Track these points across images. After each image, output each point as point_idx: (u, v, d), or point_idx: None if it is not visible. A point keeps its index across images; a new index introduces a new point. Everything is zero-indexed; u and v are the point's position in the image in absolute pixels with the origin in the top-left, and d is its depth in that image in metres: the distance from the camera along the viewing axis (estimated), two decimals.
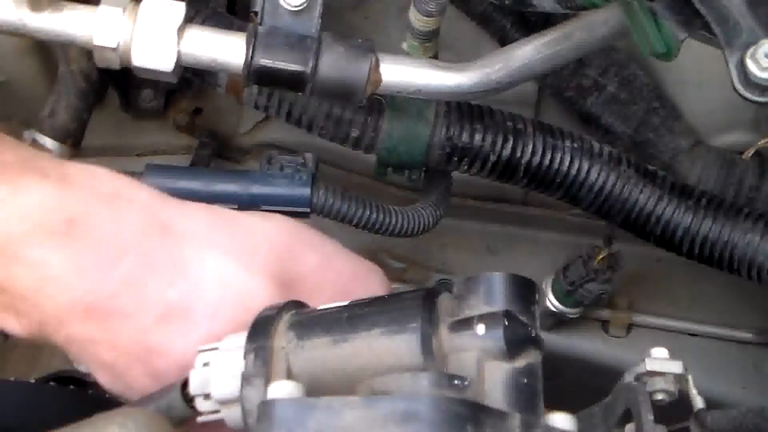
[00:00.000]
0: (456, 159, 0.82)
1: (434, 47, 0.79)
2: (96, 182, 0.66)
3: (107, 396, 0.72)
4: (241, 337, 0.56)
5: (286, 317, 0.57)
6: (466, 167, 0.83)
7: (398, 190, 1.03)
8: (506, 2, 0.76)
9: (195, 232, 0.62)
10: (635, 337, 1.00)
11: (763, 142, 0.89)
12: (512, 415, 0.47)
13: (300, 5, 0.70)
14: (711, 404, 0.55)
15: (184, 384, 0.58)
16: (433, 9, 0.75)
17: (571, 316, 0.96)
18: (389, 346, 0.52)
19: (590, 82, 0.94)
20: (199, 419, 0.58)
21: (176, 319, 0.60)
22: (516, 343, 0.50)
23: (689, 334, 1.00)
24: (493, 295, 0.52)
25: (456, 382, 0.48)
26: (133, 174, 0.85)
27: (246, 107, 0.92)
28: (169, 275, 0.60)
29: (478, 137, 0.81)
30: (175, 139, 1.09)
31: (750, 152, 0.89)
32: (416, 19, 0.76)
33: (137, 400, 0.62)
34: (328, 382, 0.53)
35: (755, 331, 1.00)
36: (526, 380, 0.50)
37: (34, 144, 0.97)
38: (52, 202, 0.60)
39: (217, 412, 0.57)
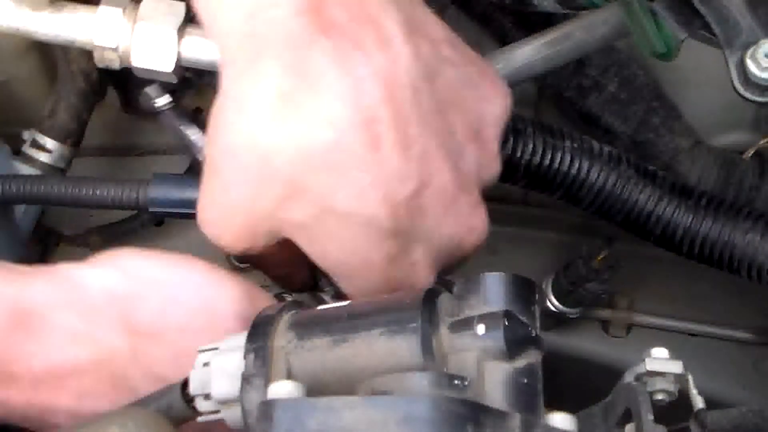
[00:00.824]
0: None
1: None
2: None
3: None
4: (241, 337, 0.56)
5: (286, 317, 0.57)
6: None
7: None
8: (506, 2, 0.76)
9: (44, 304, 0.64)
10: (635, 337, 1.00)
11: (763, 142, 0.89)
12: (512, 415, 0.47)
13: None
14: (711, 404, 0.55)
15: (184, 384, 0.58)
16: (433, 9, 0.75)
17: (571, 316, 0.96)
18: (389, 347, 0.52)
19: (590, 82, 0.94)
20: (199, 419, 0.58)
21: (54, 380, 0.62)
22: (516, 343, 0.50)
23: (689, 334, 1.00)
24: (493, 295, 0.52)
25: (456, 382, 0.48)
26: (140, 182, 0.86)
27: None
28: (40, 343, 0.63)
29: None
30: (175, 139, 1.08)
31: (750, 152, 0.89)
32: None
33: (137, 400, 0.62)
34: (328, 382, 0.53)
35: (755, 331, 1.00)
36: (526, 380, 0.50)
37: (34, 144, 0.97)
38: None
39: (217, 412, 0.57)
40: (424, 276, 0.61)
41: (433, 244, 0.61)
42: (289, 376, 0.54)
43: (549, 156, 0.77)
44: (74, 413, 0.63)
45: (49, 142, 0.97)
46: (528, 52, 0.77)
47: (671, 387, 0.54)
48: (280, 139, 0.57)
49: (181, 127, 0.75)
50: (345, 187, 0.57)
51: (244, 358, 0.55)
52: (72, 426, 0.54)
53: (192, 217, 0.85)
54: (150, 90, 0.76)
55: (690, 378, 0.54)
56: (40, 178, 0.87)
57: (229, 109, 0.59)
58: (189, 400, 0.58)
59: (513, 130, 0.80)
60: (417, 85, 0.58)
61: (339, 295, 0.67)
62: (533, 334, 0.51)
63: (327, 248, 0.60)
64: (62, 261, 0.68)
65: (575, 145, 0.78)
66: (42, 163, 0.96)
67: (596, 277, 0.91)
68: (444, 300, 0.53)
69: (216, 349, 0.58)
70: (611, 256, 0.91)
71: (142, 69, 0.72)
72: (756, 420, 0.54)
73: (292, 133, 0.56)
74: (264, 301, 0.65)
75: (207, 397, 0.57)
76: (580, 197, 0.78)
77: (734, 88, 0.64)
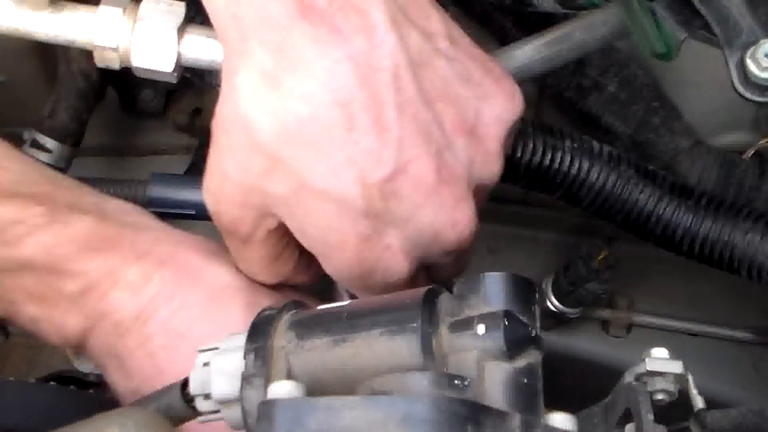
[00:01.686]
0: None
1: None
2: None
3: (107, 396, 0.72)
4: (241, 337, 0.56)
5: (286, 317, 0.57)
6: None
7: None
8: (506, 2, 0.77)
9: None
10: (635, 337, 1.00)
11: (763, 142, 0.89)
12: (512, 415, 0.47)
13: None
14: (711, 404, 0.55)
15: (184, 384, 0.58)
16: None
17: (571, 316, 0.96)
18: (389, 346, 0.52)
19: (590, 82, 0.94)
20: (199, 419, 0.58)
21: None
22: (516, 343, 0.50)
23: (689, 334, 1.00)
24: (493, 295, 0.52)
25: (456, 382, 0.48)
26: (138, 182, 0.86)
27: None
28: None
29: None
30: (175, 139, 1.08)
31: (750, 152, 0.89)
32: None
33: (137, 400, 0.62)
34: (328, 382, 0.53)
35: (755, 331, 1.00)
36: (526, 380, 0.50)
37: (34, 144, 0.97)
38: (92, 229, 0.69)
39: (217, 412, 0.57)
40: (398, 261, 0.63)
41: (408, 231, 0.62)
42: (289, 376, 0.54)
43: (549, 156, 0.77)
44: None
45: (49, 142, 0.97)
46: (528, 52, 0.77)
47: (671, 387, 0.54)
48: (261, 113, 0.60)
49: None
50: (319, 163, 0.60)
51: (244, 358, 0.55)
52: (72, 426, 0.54)
53: (191, 217, 0.85)
54: None
55: (690, 378, 0.54)
56: None
57: (223, 84, 0.62)
58: (189, 400, 0.58)
59: None
60: (398, 72, 0.60)
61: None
62: (533, 334, 0.51)
63: (304, 224, 0.62)
64: None
65: (575, 145, 0.78)
66: (42, 163, 0.96)
67: (596, 277, 0.91)
68: (444, 300, 0.53)
69: (216, 349, 0.58)
70: (611, 256, 0.91)
71: (142, 69, 0.72)
72: (756, 420, 0.54)
73: (272, 107, 0.60)
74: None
75: (207, 397, 0.57)
76: (580, 197, 0.78)
77: (734, 88, 0.64)
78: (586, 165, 0.78)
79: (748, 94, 0.64)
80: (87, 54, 0.75)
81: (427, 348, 0.51)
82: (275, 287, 0.70)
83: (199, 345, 0.59)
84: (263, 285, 0.70)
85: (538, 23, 0.87)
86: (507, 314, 0.50)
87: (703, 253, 0.78)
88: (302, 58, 0.59)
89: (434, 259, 0.65)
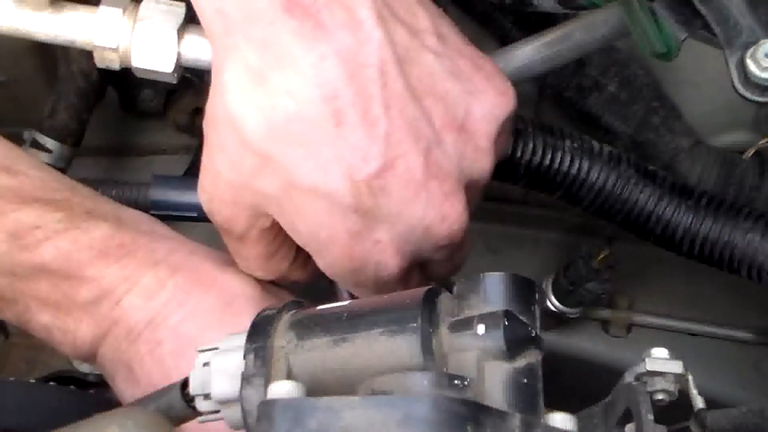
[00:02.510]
0: None
1: None
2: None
3: (107, 396, 0.72)
4: (241, 337, 0.56)
5: (286, 317, 0.57)
6: None
7: None
8: (506, 2, 0.76)
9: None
10: (635, 337, 1.00)
11: (763, 142, 0.89)
12: (512, 415, 0.47)
13: None
14: (711, 404, 0.55)
15: (184, 384, 0.58)
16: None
17: (571, 316, 0.96)
18: (389, 346, 0.52)
19: (590, 81, 0.94)
20: (199, 419, 0.58)
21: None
22: (516, 343, 0.50)
23: (689, 334, 1.00)
24: (493, 295, 0.52)
25: (456, 382, 0.48)
26: (141, 184, 0.86)
27: None
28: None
29: None
30: (175, 139, 1.08)
31: (750, 152, 0.89)
32: None
33: (137, 399, 0.62)
34: (328, 382, 0.53)
35: (755, 331, 1.00)
36: (526, 380, 0.50)
37: (34, 144, 0.97)
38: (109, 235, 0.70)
39: (217, 412, 0.57)
40: (388, 256, 0.63)
41: (398, 226, 0.62)
42: (289, 376, 0.54)
43: (549, 156, 0.77)
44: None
45: (49, 142, 0.97)
46: (528, 53, 0.77)
47: (671, 387, 0.54)
48: (249, 110, 0.60)
49: None
50: (308, 160, 0.60)
51: (244, 358, 0.55)
52: (72, 426, 0.54)
53: (193, 219, 0.85)
54: None
55: (690, 378, 0.54)
56: None
57: (212, 81, 0.62)
58: (189, 400, 0.58)
59: (513, 130, 0.81)
60: (385, 68, 0.60)
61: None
62: (533, 334, 0.51)
63: (295, 221, 0.63)
64: None
65: (575, 145, 0.78)
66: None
67: (596, 277, 0.91)
68: (444, 300, 0.53)
69: (216, 349, 0.58)
70: (611, 256, 0.91)
71: (142, 69, 0.72)
72: (756, 420, 0.54)
73: (259, 104, 0.60)
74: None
75: (207, 397, 0.57)
76: (580, 197, 0.78)
77: (734, 88, 0.64)
78: (586, 165, 0.77)
79: (748, 94, 0.64)
80: (87, 54, 0.75)
81: (427, 348, 0.51)
82: (283, 292, 0.71)
83: None
84: (269, 290, 0.71)
85: (538, 23, 0.87)
86: (507, 314, 0.50)
87: (703, 253, 0.78)
88: (288, 53, 0.58)
89: (427, 255, 0.65)
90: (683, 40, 0.67)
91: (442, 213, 0.62)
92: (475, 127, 0.64)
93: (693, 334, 1.00)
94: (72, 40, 0.73)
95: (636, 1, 0.68)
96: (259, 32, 0.59)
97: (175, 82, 0.74)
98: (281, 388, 0.48)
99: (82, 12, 0.73)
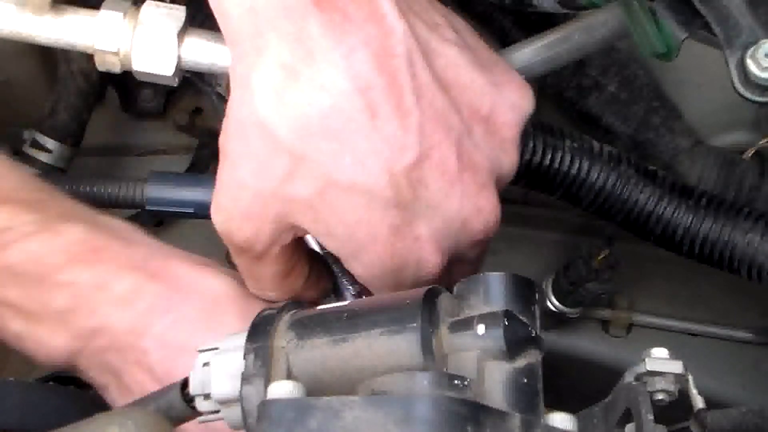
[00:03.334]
0: None
1: None
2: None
3: None
4: (241, 337, 0.56)
5: (286, 317, 0.57)
6: None
7: None
8: (506, 2, 0.76)
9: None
10: (635, 337, 1.00)
11: (763, 142, 0.89)
12: (512, 415, 0.47)
13: None
14: (711, 404, 0.55)
15: (184, 384, 0.58)
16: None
17: (571, 316, 0.96)
18: (389, 346, 0.52)
19: (590, 81, 0.94)
20: (199, 419, 0.58)
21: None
22: (516, 343, 0.50)
23: (689, 334, 1.00)
24: (493, 295, 0.52)
25: (456, 382, 0.48)
26: (137, 181, 0.86)
27: None
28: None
29: None
30: (175, 139, 1.09)
31: (750, 152, 0.89)
32: None
33: (137, 400, 0.62)
34: (328, 382, 0.53)
35: (755, 331, 1.00)
36: (526, 380, 0.50)
37: (34, 144, 0.97)
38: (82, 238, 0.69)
39: (217, 412, 0.57)
40: (429, 252, 0.61)
41: (436, 219, 0.61)
42: (289, 376, 0.54)
43: (549, 156, 0.77)
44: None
45: (49, 142, 0.97)
46: (527, 55, 0.77)
47: (671, 387, 0.54)
48: (281, 108, 0.58)
49: None
50: (345, 155, 0.58)
51: (244, 358, 0.55)
52: (72, 426, 0.54)
53: (190, 216, 0.85)
54: None
55: (690, 378, 0.54)
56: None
57: (236, 88, 0.61)
58: (189, 400, 0.58)
59: None
60: (412, 57, 0.59)
61: (360, 293, 0.69)
62: (533, 334, 0.51)
63: (332, 224, 0.60)
64: None
65: (575, 145, 0.78)
66: (42, 163, 0.96)
67: (596, 277, 0.91)
68: (444, 300, 0.53)
69: (216, 349, 0.58)
70: (611, 256, 0.91)
71: (143, 72, 0.72)
72: (756, 420, 0.54)
73: (292, 101, 0.58)
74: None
75: (207, 397, 0.57)
76: (580, 197, 0.79)
77: (734, 88, 0.64)
78: (586, 165, 0.78)
79: (748, 94, 0.64)
80: (87, 54, 0.75)
81: (427, 348, 0.51)
82: None
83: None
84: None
85: (537, 23, 0.87)
86: (507, 314, 0.50)
87: (703, 253, 0.78)
88: (319, 47, 0.58)
89: (463, 251, 0.64)
90: (683, 40, 0.67)
91: (478, 205, 0.61)
92: (502, 119, 0.63)
93: (693, 334, 1.00)
94: (73, 44, 0.73)
95: (636, 1, 0.68)
96: (290, 27, 0.58)
97: (175, 85, 0.74)
98: (281, 388, 0.49)
99: (83, 15, 0.73)
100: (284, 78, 0.58)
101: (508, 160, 0.64)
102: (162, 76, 0.72)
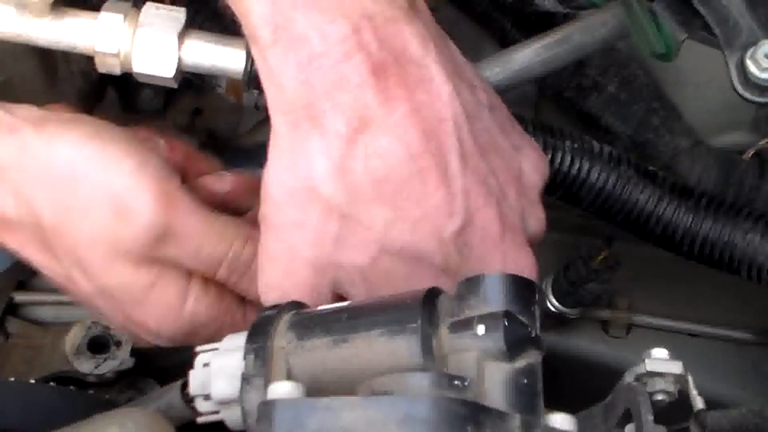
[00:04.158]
0: None
1: None
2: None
3: (107, 396, 0.72)
4: (241, 338, 0.56)
5: (286, 317, 0.57)
6: None
7: None
8: (506, 2, 0.77)
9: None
10: (635, 337, 1.00)
11: (763, 142, 0.89)
12: (512, 416, 0.47)
13: None
14: (711, 404, 0.55)
15: (184, 384, 0.58)
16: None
17: (571, 316, 0.96)
18: (389, 347, 0.52)
19: (590, 82, 0.94)
20: (199, 420, 0.58)
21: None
22: (516, 343, 0.50)
23: (689, 334, 1.00)
24: (493, 295, 0.52)
25: (456, 382, 0.48)
26: None
27: (246, 107, 0.92)
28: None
29: None
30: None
31: (750, 152, 0.89)
32: None
33: (137, 400, 0.62)
34: (328, 383, 0.53)
35: (755, 331, 1.00)
36: (526, 380, 0.50)
37: None
38: None
39: (217, 412, 0.57)
40: None
41: None
42: (289, 376, 0.54)
43: (549, 156, 0.77)
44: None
45: None
46: (527, 55, 0.77)
47: (671, 387, 0.54)
48: (338, 175, 0.58)
49: None
50: (397, 221, 0.59)
51: (244, 358, 0.55)
52: (72, 426, 0.54)
53: None
54: None
55: (690, 378, 0.54)
56: None
57: (283, 155, 0.60)
58: (189, 400, 0.58)
59: None
60: (458, 122, 0.59)
61: None
62: (533, 335, 0.51)
63: (382, 291, 0.60)
64: None
65: (575, 145, 0.78)
66: None
67: (596, 278, 0.91)
68: (444, 300, 0.53)
69: (216, 349, 0.58)
70: (611, 256, 0.91)
71: (144, 74, 0.73)
72: (756, 420, 0.54)
73: (348, 168, 0.58)
74: (183, 210, 0.66)
75: (207, 397, 0.57)
76: (580, 197, 0.79)
77: (734, 88, 0.64)
78: (586, 165, 0.78)
79: (747, 95, 0.64)
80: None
81: (427, 348, 0.51)
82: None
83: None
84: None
85: (537, 23, 0.87)
86: (507, 315, 0.50)
87: (703, 253, 0.78)
88: (375, 115, 0.58)
89: None
90: (683, 41, 0.67)
91: (519, 265, 0.61)
92: (527, 182, 0.64)
93: (693, 335, 1.00)
94: (73, 46, 0.73)
95: (636, 1, 0.68)
96: (346, 97, 0.58)
97: (175, 86, 0.74)
98: (281, 389, 0.48)
99: (83, 18, 0.73)
100: (339, 147, 0.58)
101: (538, 219, 0.65)
102: (162, 77, 0.72)
